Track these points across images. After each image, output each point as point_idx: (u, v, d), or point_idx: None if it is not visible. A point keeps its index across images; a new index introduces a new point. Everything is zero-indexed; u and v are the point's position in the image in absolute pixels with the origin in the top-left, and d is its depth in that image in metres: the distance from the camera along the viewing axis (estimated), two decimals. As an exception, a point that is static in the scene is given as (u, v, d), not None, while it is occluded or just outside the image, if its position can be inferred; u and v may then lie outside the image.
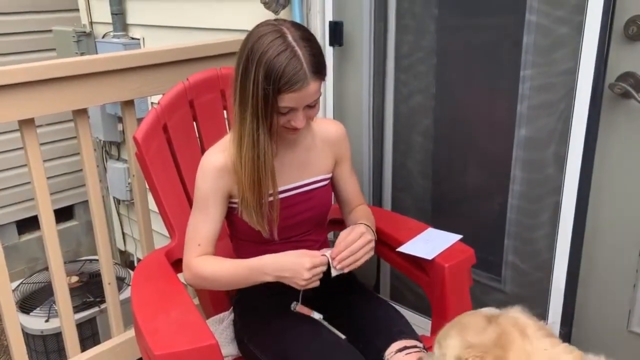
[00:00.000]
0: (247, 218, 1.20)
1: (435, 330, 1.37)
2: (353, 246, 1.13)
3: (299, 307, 1.26)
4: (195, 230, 1.22)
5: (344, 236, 1.15)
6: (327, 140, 1.32)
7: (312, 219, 1.29)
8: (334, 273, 1.14)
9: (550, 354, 0.87)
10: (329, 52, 1.85)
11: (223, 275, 1.19)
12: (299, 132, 1.18)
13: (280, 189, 1.23)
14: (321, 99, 1.91)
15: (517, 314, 0.93)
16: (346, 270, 1.14)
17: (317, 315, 1.24)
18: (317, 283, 1.12)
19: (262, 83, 1.07)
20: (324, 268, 1.12)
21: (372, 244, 1.18)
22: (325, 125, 1.36)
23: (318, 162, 1.30)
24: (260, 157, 1.14)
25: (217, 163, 1.20)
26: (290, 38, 1.08)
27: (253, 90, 1.09)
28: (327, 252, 1.15)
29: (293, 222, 1.25)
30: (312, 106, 1.15)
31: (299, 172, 1.27)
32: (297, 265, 1.09)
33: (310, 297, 1.28)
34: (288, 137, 1.20)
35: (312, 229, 1.32)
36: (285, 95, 1.08)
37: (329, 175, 1.34)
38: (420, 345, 1.14)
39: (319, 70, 1.10)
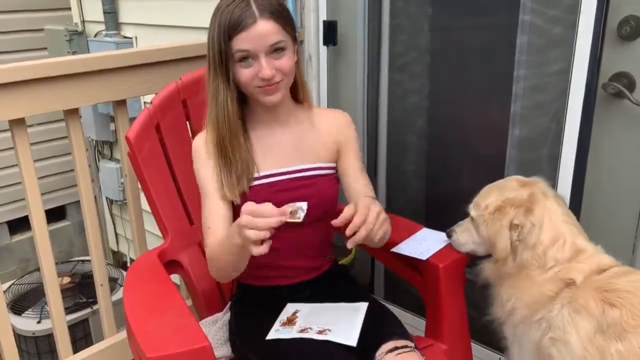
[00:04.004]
0: (220, 183, 1.17)
1: (429, 330, 1.37)
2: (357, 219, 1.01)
3: None
4: (205, 215, 1.21)
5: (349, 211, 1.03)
6: (329, 126, 1.27)
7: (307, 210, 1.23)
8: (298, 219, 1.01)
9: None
10: (322, 52, 1.85)
11: (218, 252, 1.14)
12: (278, 90, 1.13)
13: (269, 172, 1.20)
14: (315, 97, 1.92)
15: (541, 183, 1.22)
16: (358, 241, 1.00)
17: None
18: (267, 234, 0.96)
19: (216, 36, 1.09)
20: (273, 220, 0.97)
21: (383, 214, 1.05)
22: (328, 112, 1.33)
23: (316, 148, 1.25)
24: (220, 112, 1.14)
25: (199, 143, 1.21)
26: None
27: (211, 45, 1.11)
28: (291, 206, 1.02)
29: None
30: (279, 55, 1.11)
31: (292, 156, 1.22)
32: (235, 227, 1.01)
33: (307, 296, 1.27)
34: (267, 99, 1.14)
35: (310, 222, 1.24)
36: (236, 38, 1.08)
37: (331, 165, 1.27)
38: (412, 345, 1.13)
39: (270, 10, 1.08)
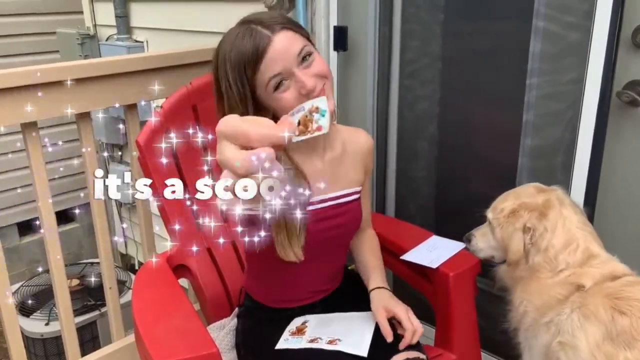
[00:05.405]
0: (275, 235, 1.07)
1: (439, 340, 1.35)
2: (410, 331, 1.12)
3: None
4: None
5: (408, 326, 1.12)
6: (358, 150, 1.23)
7: (337, 238, 1.21)
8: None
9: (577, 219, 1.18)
10: (333, 57, 1.84)
11: None
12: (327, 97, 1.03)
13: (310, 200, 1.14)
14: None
15: (559, 191, 1.22)
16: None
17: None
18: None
19: (232, 82, 1.01)
20: (265, 155, 0.53)
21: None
22: (357, 134, 1.27)
23: (349, 172, 1.21)
24: None
25: None
26: (251, 23, 1.01)
27: (228, 96, 1.02)
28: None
29: (318, 239, 1.15)
30: (309, 62, 1.02)
31: (329, 183, 1.17)
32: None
33: (318, 312, 1.26)
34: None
35: (335, 250, 1.24)
36: (261, 67, 0.99)
37: (359, 189, 1.23)
38: (424, 357, 1.12)
39: (277, 23, 1.01)
